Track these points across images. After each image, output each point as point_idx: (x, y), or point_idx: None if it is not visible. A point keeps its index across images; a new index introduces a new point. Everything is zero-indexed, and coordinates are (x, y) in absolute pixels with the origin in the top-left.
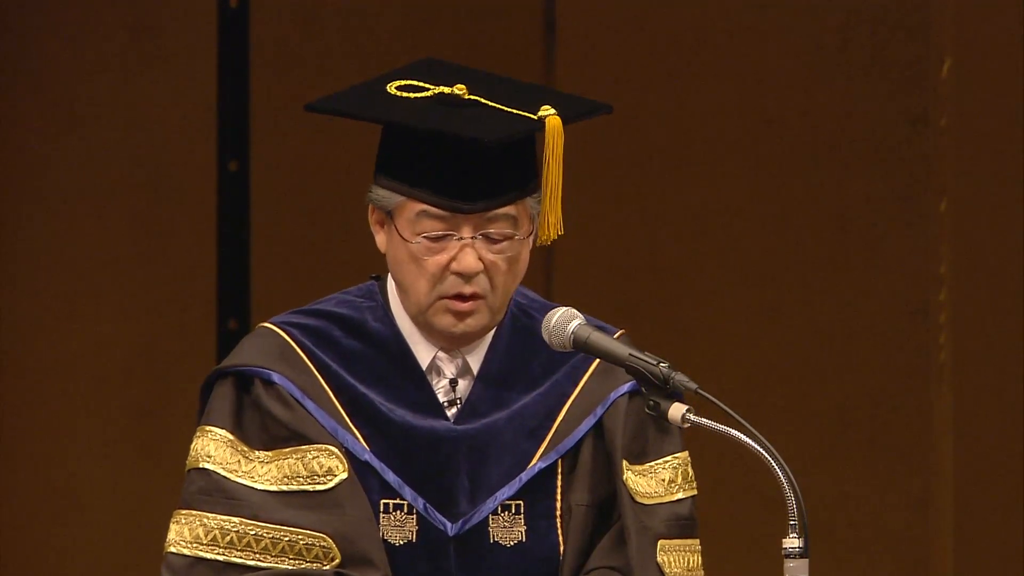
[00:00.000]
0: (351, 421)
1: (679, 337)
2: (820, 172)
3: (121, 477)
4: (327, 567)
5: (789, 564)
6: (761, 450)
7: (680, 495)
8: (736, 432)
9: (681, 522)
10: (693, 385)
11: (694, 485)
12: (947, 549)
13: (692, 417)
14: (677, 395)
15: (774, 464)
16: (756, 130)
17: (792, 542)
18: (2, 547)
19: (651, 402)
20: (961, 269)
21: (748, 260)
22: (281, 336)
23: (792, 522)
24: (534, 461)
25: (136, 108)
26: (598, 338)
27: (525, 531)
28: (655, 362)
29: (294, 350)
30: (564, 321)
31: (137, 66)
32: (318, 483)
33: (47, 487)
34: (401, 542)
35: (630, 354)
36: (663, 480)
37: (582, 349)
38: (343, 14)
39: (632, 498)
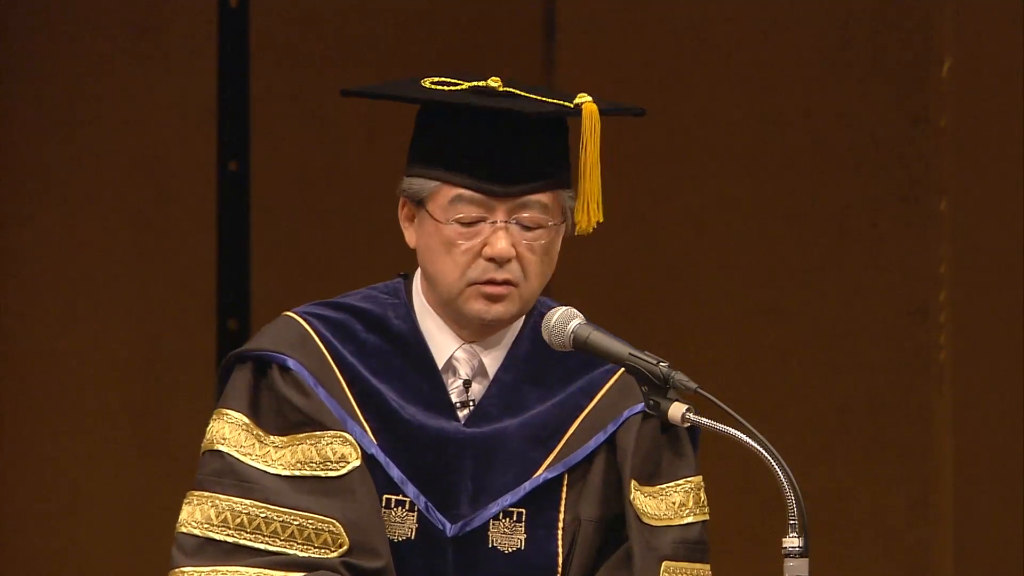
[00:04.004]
0: (361, 414)
1: (679, 337)
2: (820, 172)
3: (121, 476)
4: (334, 553)
5: (789, 564)
6: (761, 450)
7: (690, 519)
8: (736, 432)
9: (689, 545)
10: (693, 385)
11: (706, 510)
12: (947, 549)
13: (692, 416)
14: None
15: (774, 464)
16: (756, 130)
17: (792, 542)
18: (2, 547)
19: (651, 402)
20: (961, 269)
21: (748, 260)
22: (301, 325)
23: (792, 522)
24: (540, 471)
25: (136, 108)
26: (598, 338)
27: (524, 539)
28: (655, 362)
29: (313, 339)
30: (564, 320)
31: (137, 66)
32: (331, 469)
33: (47, 487)
34: (400, 539)
35: (630, 353)
36: (673, 503)
37: (581, 349)
38: (343, 14)
39: (639, 519)
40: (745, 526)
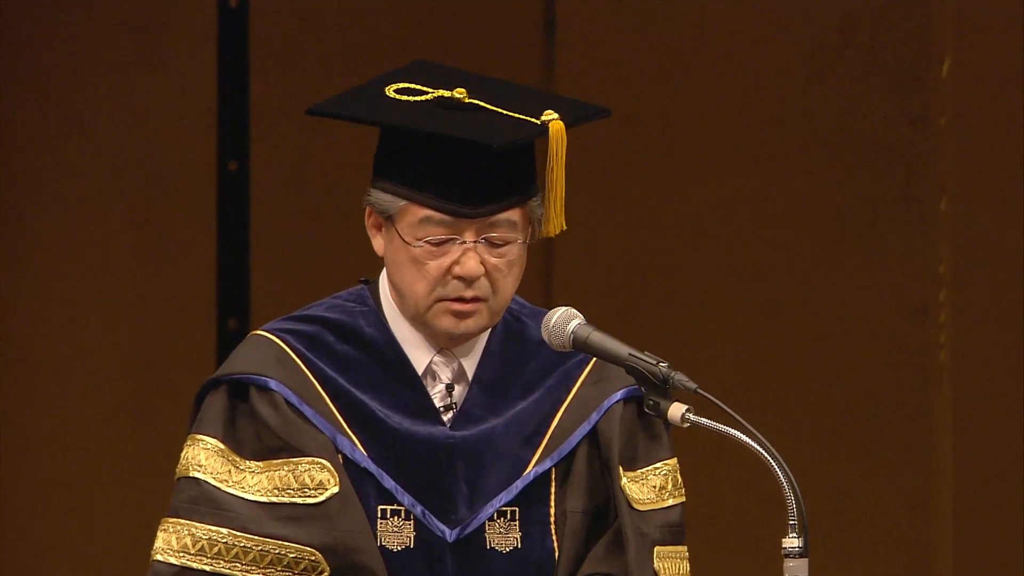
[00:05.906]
0: (348, 427)
1: (679, 337)
2: (820, 172)
3: (120, 477)
4: None
5: (789, 564)
6: (761, 450)
7: (671, 502)
8: (736, 432)
9: (673, 529)
10: (693, 385)
11: (683, 492)
12: (947, 549)
13: (692, 417)
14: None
15: (774, 464)
16: (756, 130)
17: (792, 542)
18: (2, 547)
19: (651, 402)
20: (961, 269)
21: (748, 260)
22: (276, 343)
23: (792, 522)
24: (530, 468)
25: (136, 108)
26: (598, 338)
27: (520, 537)
28: (655, 362)
29: (289, 356)
30: (564, 321)
31: (137, 66)
32: (308, 496)
33: (47, 487)
34: (399, 548)
35: (630, 354)
36: (655, 487)
37: (582, 349)
38: (343, 14)
39: (630, 504)
40: (745, 526)
